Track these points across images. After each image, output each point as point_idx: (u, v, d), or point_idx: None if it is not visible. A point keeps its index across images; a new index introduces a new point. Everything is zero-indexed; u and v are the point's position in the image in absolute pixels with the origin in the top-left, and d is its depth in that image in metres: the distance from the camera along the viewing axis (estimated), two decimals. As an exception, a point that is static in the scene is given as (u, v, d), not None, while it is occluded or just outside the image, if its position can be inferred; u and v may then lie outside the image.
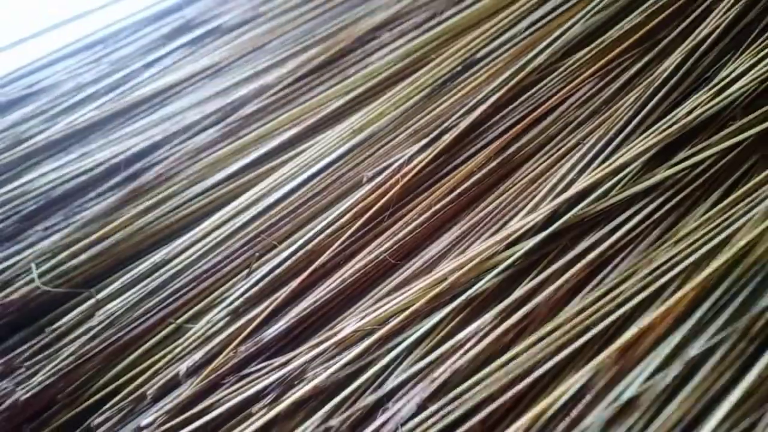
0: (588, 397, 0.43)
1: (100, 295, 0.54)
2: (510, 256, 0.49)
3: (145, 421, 0.50)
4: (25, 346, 0.53)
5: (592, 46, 0.56)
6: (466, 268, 0.49)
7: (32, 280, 0.54)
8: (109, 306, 0.53)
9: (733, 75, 0.52)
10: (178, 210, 0.56)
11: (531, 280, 0.49)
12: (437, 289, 0.48)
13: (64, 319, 0.53)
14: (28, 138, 0.61)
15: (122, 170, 0.57)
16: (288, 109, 0.59)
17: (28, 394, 0.51)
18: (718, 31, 0.54)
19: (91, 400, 0.51)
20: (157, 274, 0.54)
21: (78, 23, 0.68)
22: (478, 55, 0.57)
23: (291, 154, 0.57)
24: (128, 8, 0.68)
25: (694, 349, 0.45)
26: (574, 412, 0.43)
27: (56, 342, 0.53)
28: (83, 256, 0.55)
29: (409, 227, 0.53)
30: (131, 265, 0.55)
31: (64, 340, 0.53)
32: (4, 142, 0.61)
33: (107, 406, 0.51)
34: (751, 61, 0.52)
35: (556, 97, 0.55)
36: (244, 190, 0.56)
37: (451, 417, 0.43)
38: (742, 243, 0.46)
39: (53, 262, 0.55)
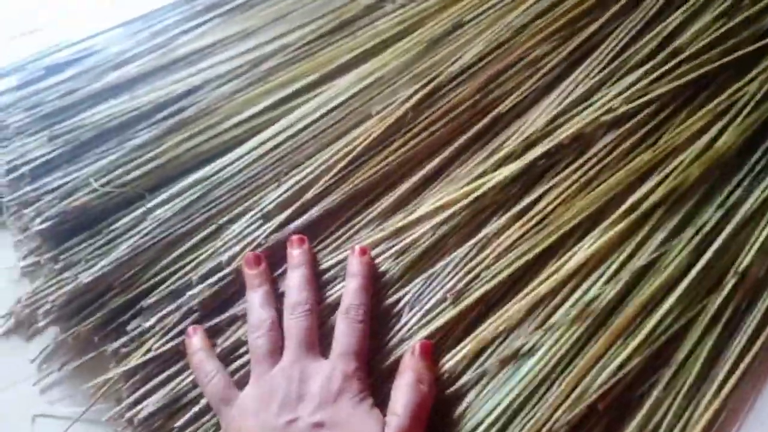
0: (557, 299, 0.53)
1: (150, 204, 0.60)
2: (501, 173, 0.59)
3: (190, 292, 0.56)
4: (85, 245, 0.59)
5: (555, 11, 0.67)
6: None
7: (92, 191, 0.60)
8: (158, 211, 0.60)
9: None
10: (216, 137, 0.63)
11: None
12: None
13: (120, 223, 0.60)
14: (81, 88, 0.68)
15: (167, 107, 0.65)
16: (306, 62, 0.67)
17: (89, 278, 0.57)
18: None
19: (144, 286, 0.57)
20: (199, 186, 0.61)
21: (116, 11, 0.76)
22: (465, 19, 0.67)
23: (310, 95, 0.65)
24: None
25: (641, 261, 0.54)
26: (548, 309, 0.53)
27: (113, 240, 0.59)
28: (135, 173, 0.61)
29: (410, 148, 0.62)
30: (178, 180, 0.62)
31: (121, 238, 0.59)
32: (59, 92, 0.67)
33: (157, 290, 0.57)
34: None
35: (526, 49, 0.66)
36: (272, 123, 0.64)
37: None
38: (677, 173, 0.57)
39: (109, 177, 0.61)
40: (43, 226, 0.59)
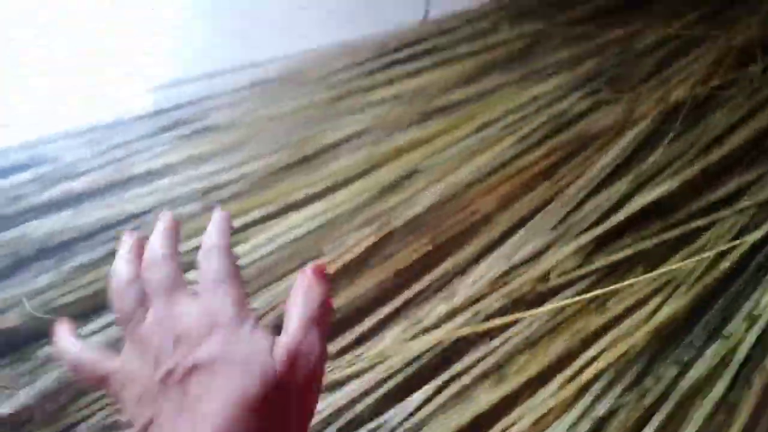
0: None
1: (83, 331, 0.58)
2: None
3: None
4: (9, 370, 0.56)
5: (507, 170, 0.68)
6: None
7: (23, 312, 0.58)
8: (91, 340, 0.58)
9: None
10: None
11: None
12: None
13: (49, 348, 0.57)
14: (27, 196, 0.66)
15: (112, 228, 0.64)
16: (261, 194, 0.67)
17: (10, 410, 0.54)
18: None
19: (68, 420, 0.54)
20: (136, 316, 0.59)
21: (81, 113, 0.75)
22: (420, 167, 0.68)
23: (261, 228, 0.65)
24: (128, 106, 0.76)
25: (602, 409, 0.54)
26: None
27: (40, 367, 0.56)
28: (70, 297, 0.59)
29: (358, 295, 0.61)
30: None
31: (48, 366, 0.56)
32: (5, 197, 0.66)
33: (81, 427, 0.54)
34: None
35: (476, 204, 0.66)
36: (220, 254, 0.63)
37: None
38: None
39: (42, 298, 0.59)
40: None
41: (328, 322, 0.43)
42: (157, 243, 0.45)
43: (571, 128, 0.69)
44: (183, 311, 0.41)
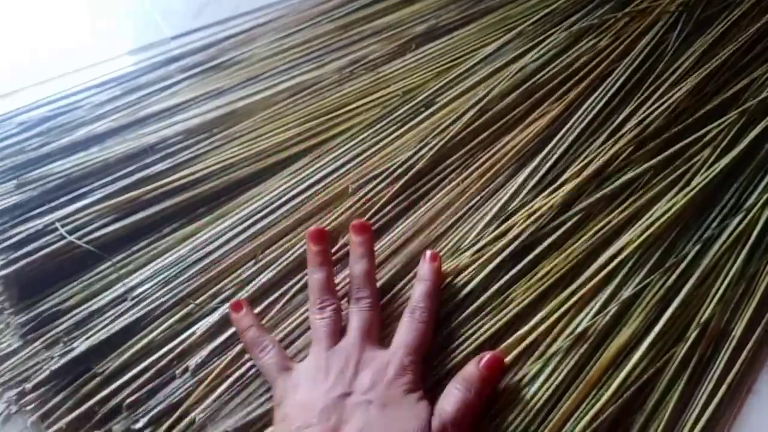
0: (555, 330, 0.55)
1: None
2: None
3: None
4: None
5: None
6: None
7: (56, 241, 0.60)
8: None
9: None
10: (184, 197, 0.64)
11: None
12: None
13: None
14: (52, 141, 0.67)
15: (147, 154, 0.66)
16: (279, 120, 0.69)
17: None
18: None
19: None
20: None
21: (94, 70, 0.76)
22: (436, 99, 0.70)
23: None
24: (142, 57, 0.77)
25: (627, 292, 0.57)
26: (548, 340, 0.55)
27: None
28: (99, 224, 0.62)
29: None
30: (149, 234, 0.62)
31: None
32: (32, 145, 0.67)
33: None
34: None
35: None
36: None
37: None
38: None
39: (74, 225, 0.61)
40: (6, 271, 0.58)
41: (478, 415, 0.51)
42: (364, 283, 0.55)
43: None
44: (370, 356, 0.51)
